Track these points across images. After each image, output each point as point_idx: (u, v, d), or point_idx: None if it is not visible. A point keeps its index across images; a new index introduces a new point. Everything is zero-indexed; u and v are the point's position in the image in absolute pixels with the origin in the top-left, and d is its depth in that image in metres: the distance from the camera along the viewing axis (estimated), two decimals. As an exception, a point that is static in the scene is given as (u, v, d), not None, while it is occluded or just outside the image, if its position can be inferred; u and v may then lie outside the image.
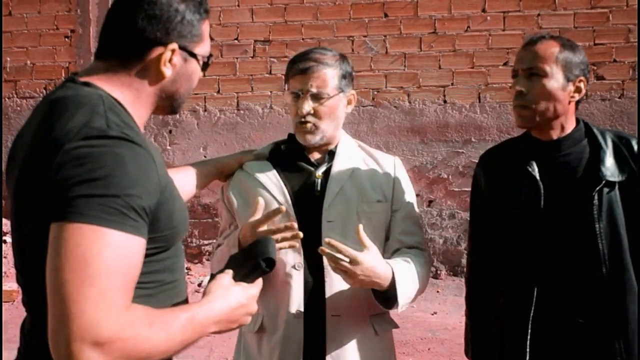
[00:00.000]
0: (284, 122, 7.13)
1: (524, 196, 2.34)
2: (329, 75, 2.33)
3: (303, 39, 7.06)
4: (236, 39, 7.25)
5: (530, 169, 2.35)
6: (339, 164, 2.40)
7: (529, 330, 2.32)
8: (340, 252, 2.13)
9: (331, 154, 2.43)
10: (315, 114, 2.34)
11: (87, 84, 1.59)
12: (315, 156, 2.43)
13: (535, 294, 2.32)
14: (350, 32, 7.04)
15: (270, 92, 7.21)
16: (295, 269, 2.31)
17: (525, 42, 2.39)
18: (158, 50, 1.62)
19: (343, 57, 2.41)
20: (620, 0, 6.71)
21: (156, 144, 7.28)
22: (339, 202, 2.33)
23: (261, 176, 2.39)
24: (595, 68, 6.67)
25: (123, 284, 1.39)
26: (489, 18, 6.89)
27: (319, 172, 2.39)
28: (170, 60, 1.63)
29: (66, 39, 7.54)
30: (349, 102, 2.42)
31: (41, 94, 7.51)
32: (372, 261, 2.18)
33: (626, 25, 6.65)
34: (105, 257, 1.37)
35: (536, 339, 2.33)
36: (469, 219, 2.60)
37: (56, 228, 1.39)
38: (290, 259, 2.31)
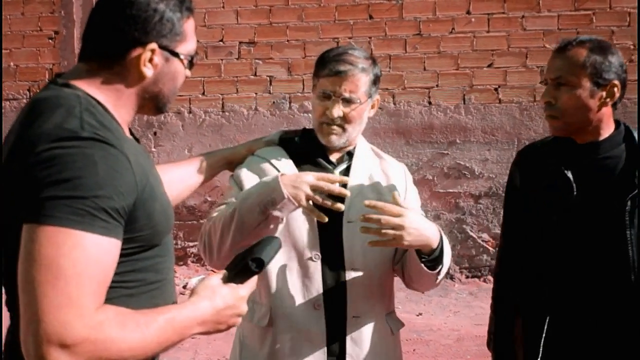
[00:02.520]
0: (269, 124, 7.13)
1: (556, 197, 2.33)
2: (362, 81, 2.31)
3: (288, 40, 7.06)
4: (221, 40, 7.24)
5: (565, 170, 2.33)
6: (358, 166, 2.39)
7: (545, 330, 2.32)
8: (383, 211, 2.12)
9: (350, 155, 2.41)
10: (344, 118, 2.31)
11: (67, 85, 1.59)
12: (335, 155, 2.40)
13: (557, 295, 2.32)
14: (335, 34, 7.05)
15: (256, 93, 7.21)
16: (312, 260, 2.28)
17: (554, 49, 2.35)
18: (138, 50, 1.61)
19: (374, 61, 2.38)
20: (603, 3, 6.75)
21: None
22: (358, 202, 2.30)
23: (278, 163, 2.35)
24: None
25: (92, 285, 1.39)
26: (473, 20, 6.92)
27: (337, 171, 2.37)
28: (150, 61, 1.62)
29: (50, 41, 7.50)
30: (372, 106, 2.40)
31: (25, 96, 7.48)
32: (417, 217, 2.18)
33: (609, 27, 6.70)
34: (73, 258, 1.37)
35: (552, 339, 2.32)
36: (502, 215, 2.61)
37: (26, 230, 1.40)
38: (307, 251, 2.28)
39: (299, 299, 2.28)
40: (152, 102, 1.70)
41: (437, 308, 6.28)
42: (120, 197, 1.46)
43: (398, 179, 2.44)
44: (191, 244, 7.32)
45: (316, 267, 2.28)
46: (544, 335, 2.32)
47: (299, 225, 2.29)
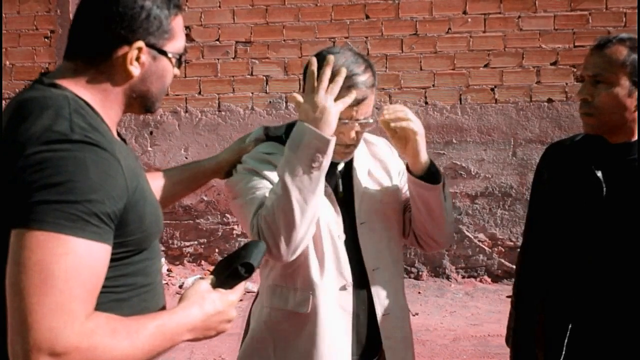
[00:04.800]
0: (265, 124, 7.09)
1: (585, 196, 2.30)
2: (373, 100, 2.28)
3: (284, 40, 7.04)
4: (217, 39, 7.23)
5: (595, 169, 2.30)
6: (359, 165, 2.38)
7: (568, 331, 2.30)
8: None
9: None
10: (357, 136, 2.29)
11: (54, 85, 1.56)
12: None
13: (581, 296, 2.29)
14: (331, 34, 7.04)
15: (252, 93, 7.20)
16: (339, 238, 2.28)
17: (593, 46, 2.31)
18: (124, 49, 1.58)
19: (369, 64, 2.30)
20: (599, 3, 6.75)
21: (137, 145, 7.25)
22: (366, 202, 2.32)
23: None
24: (575, 70, 6.71)
25: (83, 292, 1.37)
26: (469, 20, 6.91)
27: (338, 170, 2.35)
28: (137, 59, 1.59)
29: (46, 40, 7.48)
30: None
31: (20, 95, 7.44)
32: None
33: (605, 27, 6.69)
34: (63, 264, 1.35)
35: (576, 341, 2.30)
36: (527, 210, 2.59)
37: (16, 235, 1.37)
38: (334, 230, 2.27)
39: (335, 280, 2.27)
40: (140, 102, 1.67)
41: (433, 308, 6.28)
42: (112, 201, 1.44)
43: (389, 159, 2.47)
44: (187, 243, 7.30)
45: (342, 247, 2.29)
46: (567, 336, 2.30)
47: (324, 205, 2.25)
